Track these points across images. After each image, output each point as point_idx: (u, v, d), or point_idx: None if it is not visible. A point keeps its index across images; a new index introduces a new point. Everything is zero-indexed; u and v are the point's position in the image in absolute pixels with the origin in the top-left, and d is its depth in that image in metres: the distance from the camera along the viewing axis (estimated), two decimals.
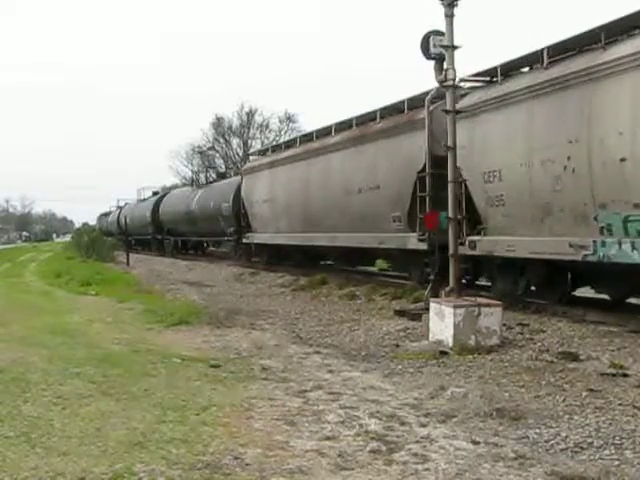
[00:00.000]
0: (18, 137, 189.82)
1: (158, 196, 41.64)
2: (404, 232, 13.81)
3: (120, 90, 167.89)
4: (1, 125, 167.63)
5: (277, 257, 22.62)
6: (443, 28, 9.66)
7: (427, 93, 12.58)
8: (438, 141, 11.83)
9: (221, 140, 56.50)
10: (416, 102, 13.75)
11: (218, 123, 55.92)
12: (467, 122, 11.23)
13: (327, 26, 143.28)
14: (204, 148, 56.63)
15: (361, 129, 16.14)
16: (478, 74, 11.74)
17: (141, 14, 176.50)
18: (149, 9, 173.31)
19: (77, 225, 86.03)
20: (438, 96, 11.90)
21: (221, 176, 36.71)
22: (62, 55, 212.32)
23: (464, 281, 11.36)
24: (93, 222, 61.99)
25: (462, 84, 11.76)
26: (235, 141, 56.17)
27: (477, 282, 13.20)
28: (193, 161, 58.65)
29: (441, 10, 9.52)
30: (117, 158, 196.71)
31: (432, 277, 11.93)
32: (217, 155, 57.00)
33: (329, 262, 20.73)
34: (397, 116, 14.70)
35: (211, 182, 34.49)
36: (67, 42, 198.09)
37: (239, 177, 27.12)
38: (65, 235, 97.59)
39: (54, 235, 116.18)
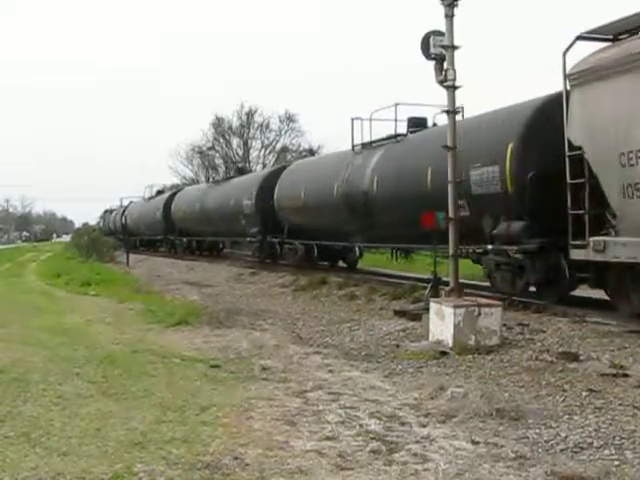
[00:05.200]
0: (18, 137, 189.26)
1: (274, 168, 26.01)
2: None
3: (120, 90, 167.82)
4: (1, 125, 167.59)
5: None
6: (443, 28, 9.68)
7: None
8: None
9: (221, 140, 56.51)
10: None
11: (218, 123, 55.91)
12: None
13: (327, 26, 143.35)
14: (204, 148, 56.67)
15: None
16: None
17: (141, 14, 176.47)
18: (149, 9, 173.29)
19: (77, 225, 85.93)
20: None
21: (420, 124, 15.70)
22: (62, 55, 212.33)
23: None
24: (93, 222, 61.89)
25: None
26: (235, 141, 56.16)
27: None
28: (193, 161, 58.71)
29: (441, 10, 9.54)
30: (117, 158, 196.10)
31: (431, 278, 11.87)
32: (217, 155, 57.04)
33: None
34: None
35: (414, 131, 15.51)
36: (66, 42, 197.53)
37: (521, 107, 11.57)
38: (65, 235, 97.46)
39: (54, 235, 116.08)
